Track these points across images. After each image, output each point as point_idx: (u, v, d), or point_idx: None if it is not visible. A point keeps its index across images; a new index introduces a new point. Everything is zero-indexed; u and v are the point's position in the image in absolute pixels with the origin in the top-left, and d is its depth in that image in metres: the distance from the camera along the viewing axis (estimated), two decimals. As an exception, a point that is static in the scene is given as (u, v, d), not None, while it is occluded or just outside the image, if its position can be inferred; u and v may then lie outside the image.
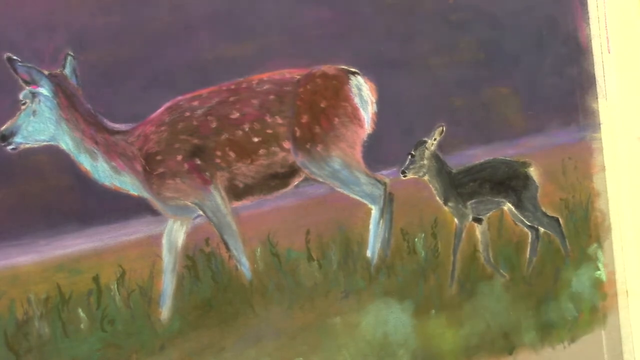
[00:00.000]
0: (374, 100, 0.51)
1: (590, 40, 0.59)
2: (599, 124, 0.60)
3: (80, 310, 0.43)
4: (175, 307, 0.46)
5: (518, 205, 0.56)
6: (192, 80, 0.46)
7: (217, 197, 0.47)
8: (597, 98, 0.59)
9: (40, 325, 0.42)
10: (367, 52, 0.50)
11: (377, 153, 0.51)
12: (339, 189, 0.50)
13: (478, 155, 0.54)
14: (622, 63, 0.60)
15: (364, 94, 0.50)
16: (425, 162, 0.52)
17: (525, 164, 0.56)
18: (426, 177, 0.53)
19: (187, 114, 0.46)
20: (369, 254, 0.51)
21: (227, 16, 0.46)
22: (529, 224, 0.56)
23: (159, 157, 0.46)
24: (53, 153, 0.43)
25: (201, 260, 0.46)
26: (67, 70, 0.43)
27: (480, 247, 0.55)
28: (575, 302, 0.58)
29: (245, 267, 0.48)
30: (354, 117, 0.50)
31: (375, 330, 0.51)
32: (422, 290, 0.53)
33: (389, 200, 0.51)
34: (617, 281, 0.60)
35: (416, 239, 0.53)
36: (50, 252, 0.42)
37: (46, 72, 0.43)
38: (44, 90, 0.43)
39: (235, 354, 0.47)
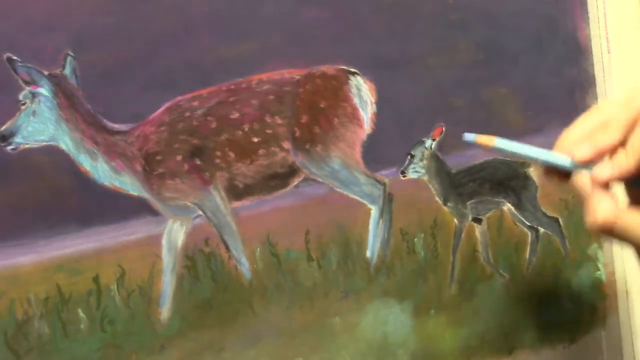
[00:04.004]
0: (373, 101, 0.51)
1: (590, 40, 0.59)
2: (599, 124, 0.59)
3: (80, 310, 0.43)
4: (175, 307, 0.46)
5: (518, 205, 0.56)
6: (192, 80, 0.46)
7: (217, 197, 0.47)
8: (596, 98, 0.59)
9: (40, 326, 0.42)
10: (367, 52, 0.50)
11: (376, 153, 0.51)
12: (338, 189, 0.50)
13: (478, 155, 0.54)
14: (622, 63, 0.60)
15: (363, 94, 0.50)
16: (425, 162, 0.52)
17: (525, 164, 0.56)
18: (425, 178, 0.53)
19: (187, 114, 0.46)
20: (368, 254, 0.51)
21: (227, 16, 0.46)
22: (528, 224, 0.56)
23: (158, 157, 0.46)
24: (53, 153, 0.43)
25: (201, 261, 0.47)
26: (67, 71, 0.43)
27: (480, 247, 0.55)
28: (575, 302, 0.58)
29: (244, 267, 0.48)
30: (354, 117, 0.50)
31: (375, 330, 0.51)
32: (421, 290, 0.53)
33: (388, 201, 0.51)
34: (617, 281, 0.60)
35: (415, 239, 0.52)
36: (49, 253, 0.42)
37: (46, 73, 0.43)
38: (44, 90, 0.43)
39: (235, 354, 0.47)
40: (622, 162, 0.43)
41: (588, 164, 0.45)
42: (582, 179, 0.45)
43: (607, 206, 0.43)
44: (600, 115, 0.46)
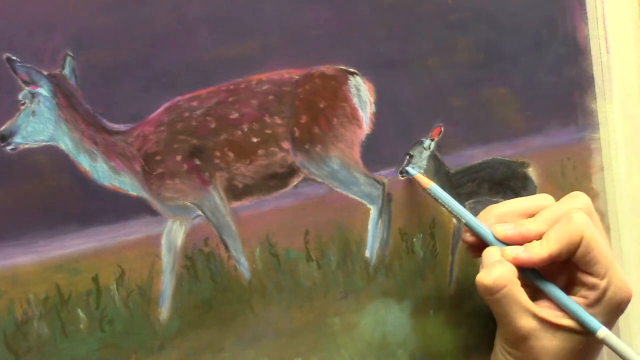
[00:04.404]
0: (373, 101, 0.51)
1: (589, 40, 0.59)
2: (598, 125, 0.60)
3: (79, 310, 0.43)
4: (174, 307, 0.46)
5: (517, 205, 0.56)
6: (192, 80, 0.46)
7: (216, 197, 0.47)
8: (595, 98, 0.59)
9: (39, 326, 0.42)
10: (366, 52, 0.50)
11: (375, 153, 0.51)
12: (337, 189, 0.50)
13: (477, 155, 0.54)
14: (621, 63, 0.60)
15: (362, 94, 0.51)
16: (424, 162, 0.52)
17: (524, 164, 0.56)
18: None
19: (186, 114, 0.46)
20: (367, 254, 0.51)
21: (226, 16, 0.46)
22: (527, 224, 0.56)
23: (158, 158, 0.46)
24: (52, 153, 0.43)
25: (200, 260, 0.47)
26: (67, 71, 0.43)
27: (479, 247, 0.55)
28: (573, 302, 0.58)
29: (244, 267, 0.48)
30: (353, 118, 0.50)
31: (374, 330, 0.51)
32: (420, 290, 0.53)
33: (387, 201, 0.51)
34: (616, 281, 0.60)
35: (414, 239, 0.53)
36: (49, 252, 0.42)
37: (45, 73, 0.43)
38: (43, 90, 0.43)
39: (234, 354, 0.47)
40: (536, 251, 0.46)
41: (504, 241, 0.47)
42: (490, 250, 0.48)
43: (506, 271, 0.46)
44: (534, 201, 0.49)
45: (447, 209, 0.50)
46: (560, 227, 0.46)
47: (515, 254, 0.46)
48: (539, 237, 0.47)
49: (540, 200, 0.49)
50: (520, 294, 0.46)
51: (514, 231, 0.47)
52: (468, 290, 0.54)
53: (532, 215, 0.48)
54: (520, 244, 0.47)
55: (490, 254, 0.47)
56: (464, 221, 0.49)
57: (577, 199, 0.48)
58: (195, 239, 0.46)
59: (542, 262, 0.46)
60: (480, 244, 0.48)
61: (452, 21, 0.53)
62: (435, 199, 0.50)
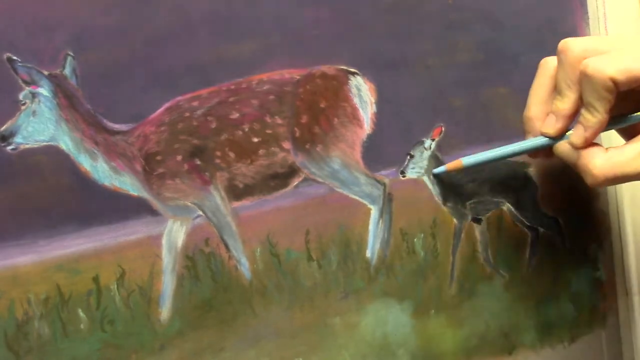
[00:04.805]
0: (373, 101, 0.51)
1: (590, 40, 0.59)
2: (599, 124, 0.59)
3: (80, 310, 0.43)
4: (175, 308, 0.46)
5: (517, 205, 0.56)
6: (192, 80, 0.46)
7: (217, 197, 0.47)
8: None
9: (40, 326, 0.42)
10: (367, 52, 0.50)
11: (376, 153, 0.51)
12: (338, 189, 0.50)
13: (477, 155, 0.54)
14: (622, 63, 0.60)
15: (363, 94, 0.51)
16: (424, 162, 0.52)
17: (525, 164, 0.56)
18: (425, 177, 0.53)
19: (187, 114, 0.46)
20: (368, 254, 0.51)
21: (227, 16, 0.46)
22: (528, 224, 0.56)
23: (158, 158, 0.46)
24: (53, 153, 0.43)
25: (201, 261, 0.47)
26: (67, 71, 0.43)
27: (480, 247, 0.55)
28: (575, 302, 0.58)
29: (245, 267, 0.48)
30: (354, 118, 0.50)
31: (375, 330, 0.51)
32: (421, 290, 0.53)
33: (388, 201, 0.51)
34: (617, 281, 0.60)
35: (415, 239, 0.53)
36: (49, 252, 0.42)
37: (46, 73, 0.43)
38: (44, 90, 0.43)
39: (235, 354, 0.47)
40: (590, 121, 0.44)
41: (563, 134, 0.46)
42: (563, 147, 0.46)
43: (599, 162, 0.44)
44: (546, 79, 0.47)
45: (493, 161, 0.48)
46: (587, 89, 0.44)
47: (583, 138, 0.45)
48: (577, 104, 0.45)
49: (547, 72, 0.48)
50: (628, 155, 0.44)
51: (557, 123, 0.46)
52: (469, 290, 0.54)
53: (554, 91, 0.47)
54: (570, 123, 0.46)
55: (569, 151, 0.46)
56: (518, 154, 0.47)
57: (567, 51, 0.46)
58: (195, 239, 0.46)
59: (602, 124, 0.44)
60: (546, 154, 0.48)
61: (452, 21, 0.53)
62: (477, 165, 0.49)
